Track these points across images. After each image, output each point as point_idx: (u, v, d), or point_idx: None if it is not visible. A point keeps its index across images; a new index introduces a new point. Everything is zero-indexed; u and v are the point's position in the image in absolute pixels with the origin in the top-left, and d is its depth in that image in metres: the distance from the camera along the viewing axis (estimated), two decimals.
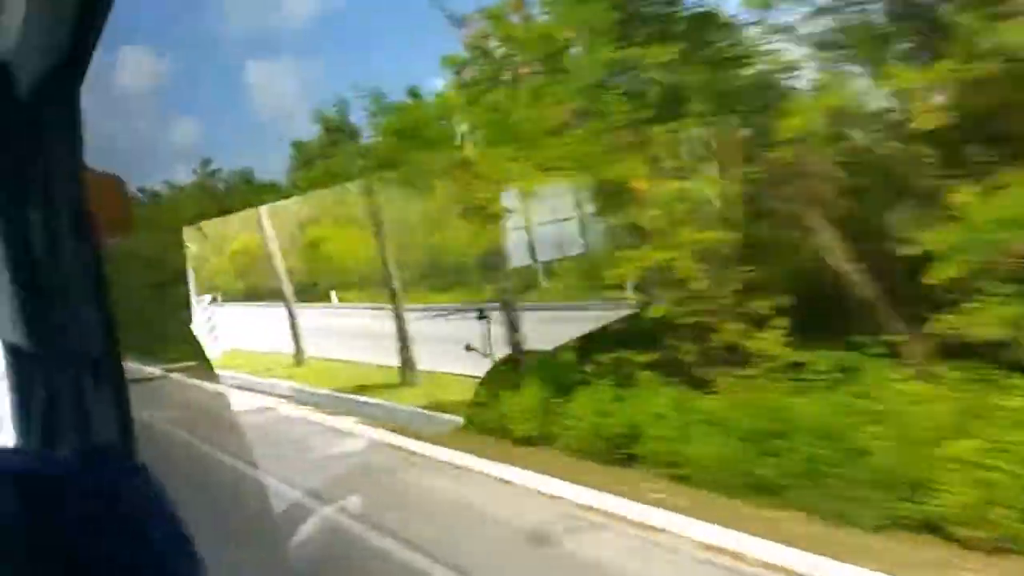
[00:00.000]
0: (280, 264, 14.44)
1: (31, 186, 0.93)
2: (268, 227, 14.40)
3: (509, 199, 11.46)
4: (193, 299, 17.92)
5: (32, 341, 0.94)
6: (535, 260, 11.61)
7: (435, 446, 9.39)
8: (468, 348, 10.43)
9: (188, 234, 18.33)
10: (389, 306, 13.79)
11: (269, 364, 14.70)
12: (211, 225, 19.21)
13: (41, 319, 0.94)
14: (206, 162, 15.69)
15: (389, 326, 12.96)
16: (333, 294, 18.99)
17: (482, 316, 10.56)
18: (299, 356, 13.96)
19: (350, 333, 14.44)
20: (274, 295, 21.04)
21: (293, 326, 14.12)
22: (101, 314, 0.97)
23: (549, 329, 10.64)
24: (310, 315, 18.66)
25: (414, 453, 9.41)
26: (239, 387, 13.52)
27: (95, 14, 0.90)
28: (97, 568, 0.57)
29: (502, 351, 10.25)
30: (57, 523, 0.57)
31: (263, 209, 14.49)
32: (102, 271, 0.98)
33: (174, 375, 15.22)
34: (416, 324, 12.63)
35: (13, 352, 0.98)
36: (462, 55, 10.53)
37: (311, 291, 21.10)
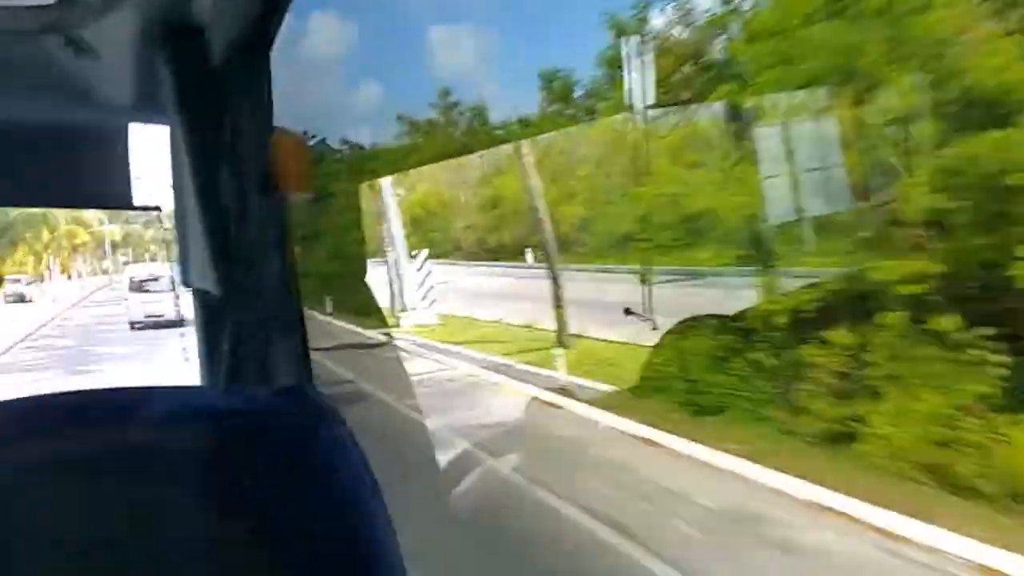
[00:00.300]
0: (545, 213, 11.18)
1: (222, 148, 0.95)
2: (530, 166, 11.15)
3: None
4: (392, 250, 15.51)
5: (221, 297, 0.95)
6: (800, 214, 9.16)
7: (888, 512, 5.77)
8: (627, 312, 10.02)
9: (387, 183, 15.89)
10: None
11: (513, 341, 11.55)
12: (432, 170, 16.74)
13: (229, 276, 0.95)
14: (444, 93, 12.70)
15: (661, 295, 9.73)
16: (528, 252, 16.04)
17: (644, 281, 10.08)
18: (562, 336, 10.71)
19: (600, 306, 11.08)
20: (453, 253, 18.27)
21: (557, 294, 10.87)
22: (284, 272, 0.98)
23: None
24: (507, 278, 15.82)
25: (852, 518, 5.83)
26: (491, 369, 10.57)
27: None
28: (285, 510, 0.55)
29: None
30: (251, 461, 0.56)
31: (525, 144, 11.26)
32: (287, 229, 0.98)
33: (400, 343, 12.61)
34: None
35: (204, 307, 1.06)
36: None
37: (503, 249, 18.21)
